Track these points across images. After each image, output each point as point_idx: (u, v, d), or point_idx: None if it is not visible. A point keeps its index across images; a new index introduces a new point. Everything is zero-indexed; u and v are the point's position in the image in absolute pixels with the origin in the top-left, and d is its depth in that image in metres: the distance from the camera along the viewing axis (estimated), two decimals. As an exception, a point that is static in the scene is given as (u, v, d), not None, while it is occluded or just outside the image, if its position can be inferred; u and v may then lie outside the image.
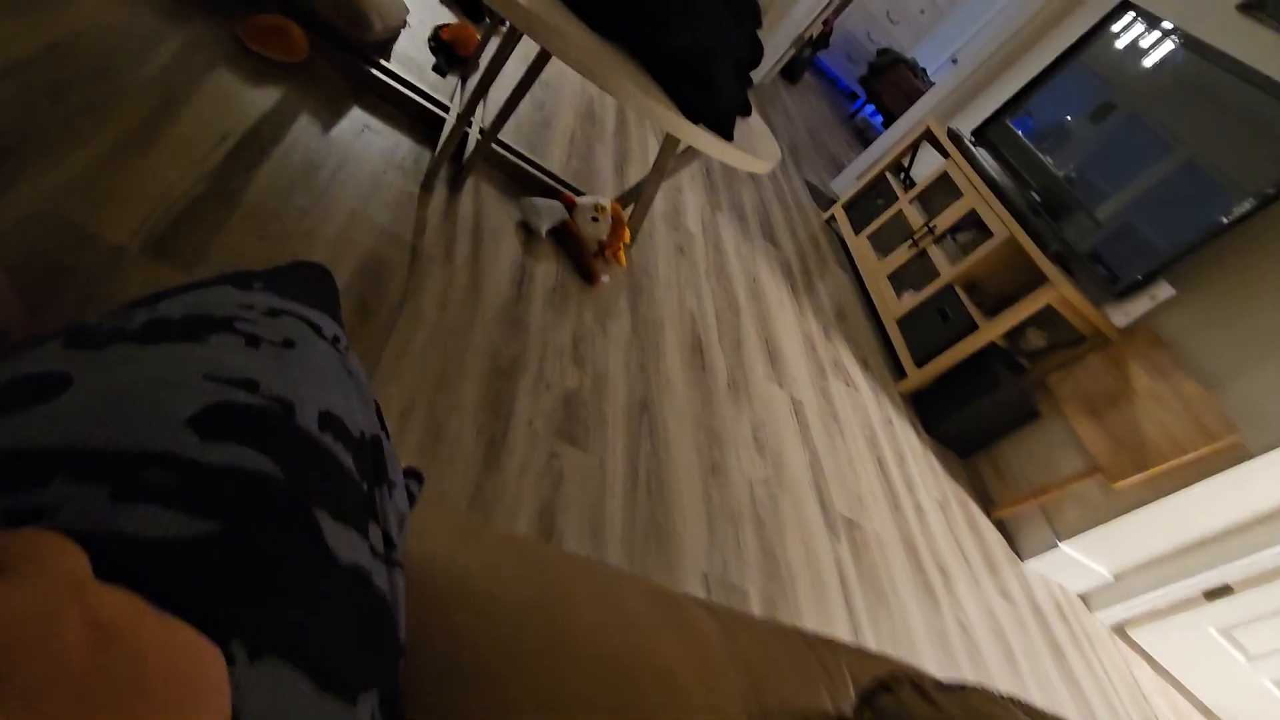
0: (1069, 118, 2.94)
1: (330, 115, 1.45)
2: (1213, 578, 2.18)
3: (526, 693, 0.42)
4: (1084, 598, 2.42)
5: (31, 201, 0.94)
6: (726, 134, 1.36)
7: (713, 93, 1.32)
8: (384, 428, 0.46)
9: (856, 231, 3.03)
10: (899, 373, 2.55)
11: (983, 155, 2.69)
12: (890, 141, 3.32)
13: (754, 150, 1.44)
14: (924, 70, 5.27)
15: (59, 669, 0.15)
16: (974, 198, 2.50)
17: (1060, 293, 2.12)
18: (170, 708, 0.17)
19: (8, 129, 0.98)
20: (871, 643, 1.52)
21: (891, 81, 4.94)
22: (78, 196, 0.99)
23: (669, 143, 1.65)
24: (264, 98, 1.35)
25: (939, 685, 0.48)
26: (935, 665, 1.64)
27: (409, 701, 0.39)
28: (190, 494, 0.28)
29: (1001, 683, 1.79)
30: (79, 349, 0.33)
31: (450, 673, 0.42)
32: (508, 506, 1.12)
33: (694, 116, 1.29)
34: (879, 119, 5.64)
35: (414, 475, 0.51)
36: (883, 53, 5.16)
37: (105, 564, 0.22)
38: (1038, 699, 1.86)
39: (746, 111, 1.53)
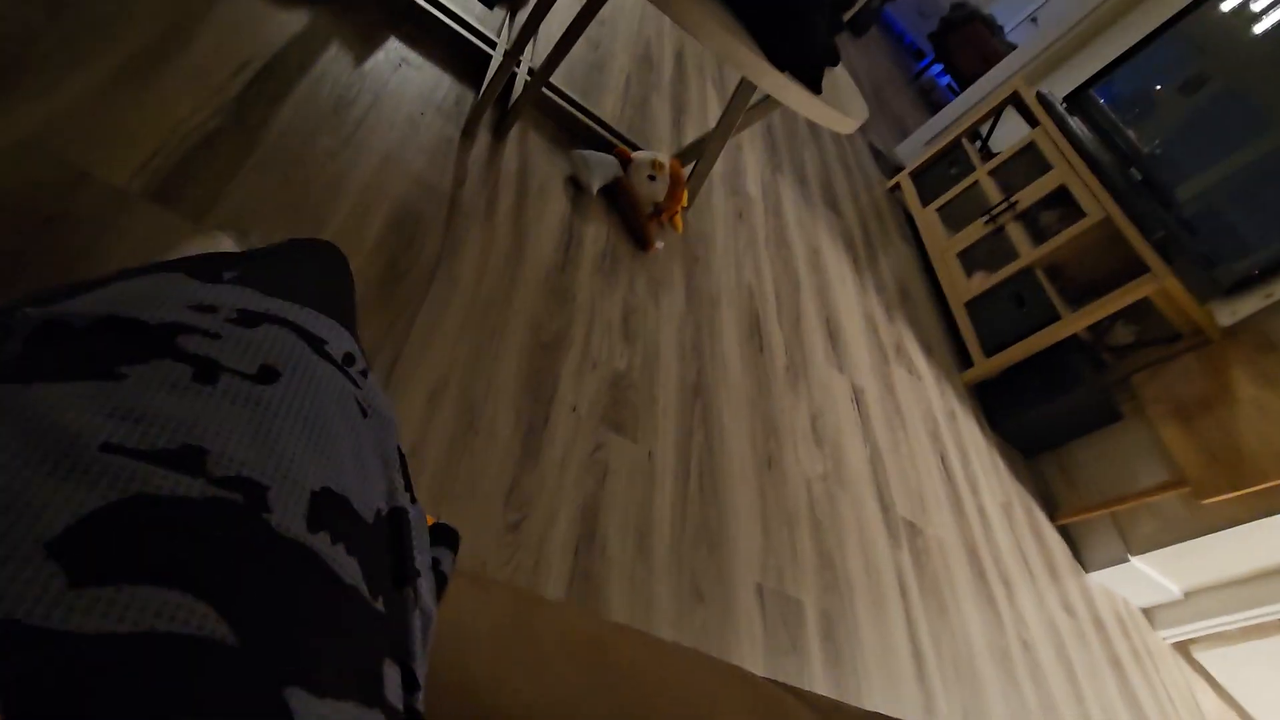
0: (1173, 88, 2.65)
1: (364, 46, 1.29)
2: (1298, 606, 1.99)
3: None
4: (1147, 612, 2.25)
5: (18, 131, 0.81)
6: (815, 86, 1.17)
7: (806, 36, 1.13)
8: (409, 486, 0.31)
9: (924, 203, 2.79)
10: (964, 361, 2.35)
11: (1077, 125, 2.42)
12: (968, 104, 3.04)
13: (841, 106, 1.25)
14: (1001, 28, 4.86)
15: None
16: (1066, 172, 2.25)
17: (1162, 285, 1.89)
18: None
19: (-6, 44, 0.85)
20: (932, 663, 1.38)
21: (965, 39, 4.57)
22: (72, 128, 0.85)
23: (742, 92, 1.45)
24: (291, 22, 1.19)
25: None
26: (997, 685, 1.50)
27: None
28: (29, 710, 0.14)
29: (1062, 701, 1.65)
30: None
31: None
32: (546, 505, 1.00)
33: (781, 63, 1.10)
34: (945, 80, 5.26)
35: (444, 538, 0.37)
36: (957, 7, 4.76)
37: None
38: (1097, 717, 1.73)
39: (835, 60, 1.32)
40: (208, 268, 0.28)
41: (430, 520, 0.38)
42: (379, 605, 0.24)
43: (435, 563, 0.34)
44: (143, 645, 0.16)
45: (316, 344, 0.28)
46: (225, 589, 0.18)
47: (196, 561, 0.18)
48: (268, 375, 0.24)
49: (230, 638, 0.17)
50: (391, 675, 0.24)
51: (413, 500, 0.32)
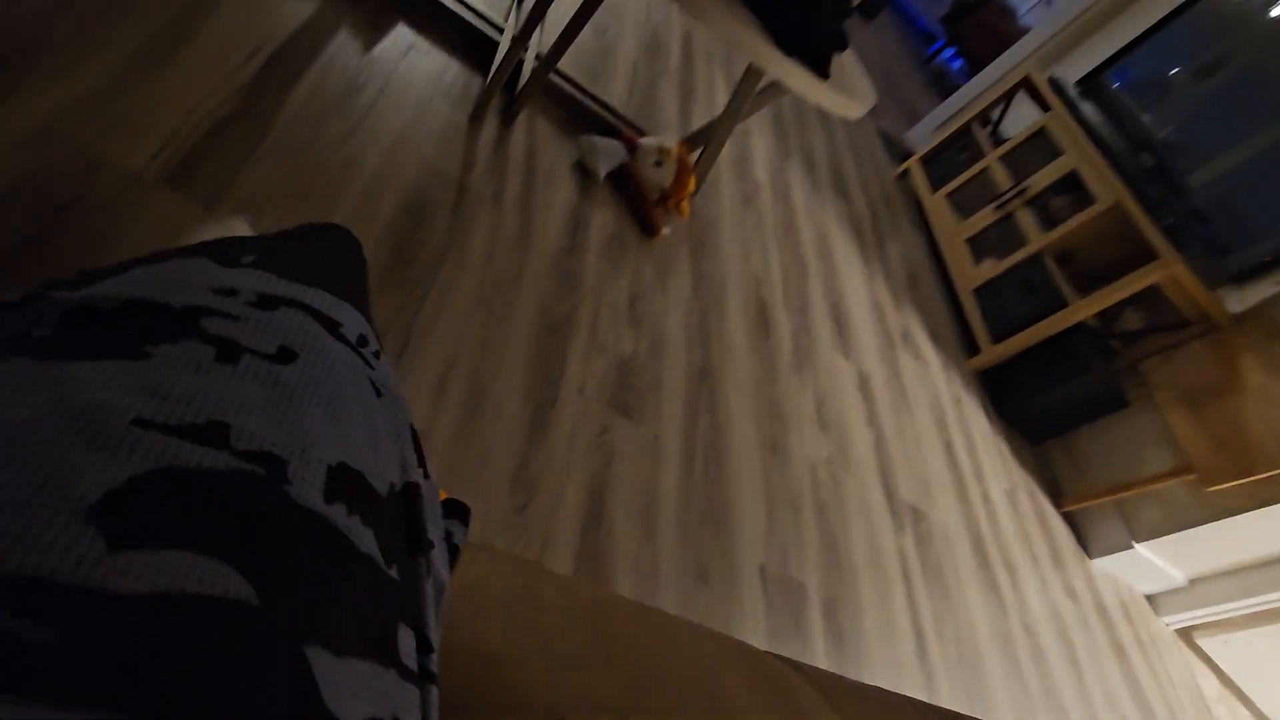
0: (1184, 72, 2.61)
1: (373, 31, 1.29)
2: (1303, 593, 2.00)
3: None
4: (1150, 599, 2.26)
5: (33, 118, 0.82)
6: (822, 71, 1.17)
7: (812, 22, 1.12)
8: (423, 462, 0.33)
9: (934, 189, 2.78)
10: (971, 347, 2.35)
11: (1089, 110, 2.40)
12: (979, 89, 3.01)
13: (849, 91, 1.25)
14: (1014, 11, 4.79)
15: None
16: (1076, 157, 2.23)
17: (1171, 271, 1.88)
18: None
19: (8, 31, 0.86)
20: (934, 646, 1.40)
21: (978, 22, 4.51)
22: (86, 115, 0.87)
23: (749, 78, 1.45)
24: (301, 8, 1.20)
25: None
26: (999, 669, 1.52)
27: None
28: (75, 663, 0.15)
29: (1064, 686, 1.67)
30: None
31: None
32: (553, 485, 1.01)
33: (788, 49, 1.10)
34: (958, 64, 5.20)
35: (456, 512, 0.39)
36: (970, -11, 4.69)
37: None
38: (1099, 702, 1.74)
39: (843, 46, 1.32)
40: (227, 252, 0.30)
41: (442, 495, 0.39)
42: (393, 573, 0.26)
43: (448, 535, 0.36)
44: (174, 604, 0.17)
45: (331, 326, 0.29)
46: (249, 554, 0.19)
47: (223, 529, 0.19)
48: (286, 356, 0.26)
49: (254, 599, 0.18)
50: (406, 638, 0.25)
51: (426, 476, 0.33)
